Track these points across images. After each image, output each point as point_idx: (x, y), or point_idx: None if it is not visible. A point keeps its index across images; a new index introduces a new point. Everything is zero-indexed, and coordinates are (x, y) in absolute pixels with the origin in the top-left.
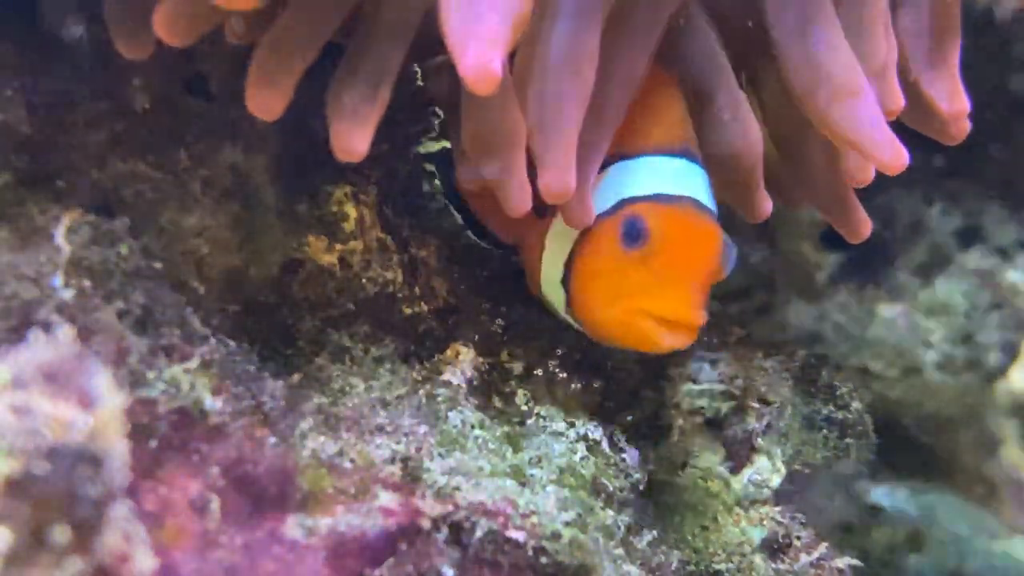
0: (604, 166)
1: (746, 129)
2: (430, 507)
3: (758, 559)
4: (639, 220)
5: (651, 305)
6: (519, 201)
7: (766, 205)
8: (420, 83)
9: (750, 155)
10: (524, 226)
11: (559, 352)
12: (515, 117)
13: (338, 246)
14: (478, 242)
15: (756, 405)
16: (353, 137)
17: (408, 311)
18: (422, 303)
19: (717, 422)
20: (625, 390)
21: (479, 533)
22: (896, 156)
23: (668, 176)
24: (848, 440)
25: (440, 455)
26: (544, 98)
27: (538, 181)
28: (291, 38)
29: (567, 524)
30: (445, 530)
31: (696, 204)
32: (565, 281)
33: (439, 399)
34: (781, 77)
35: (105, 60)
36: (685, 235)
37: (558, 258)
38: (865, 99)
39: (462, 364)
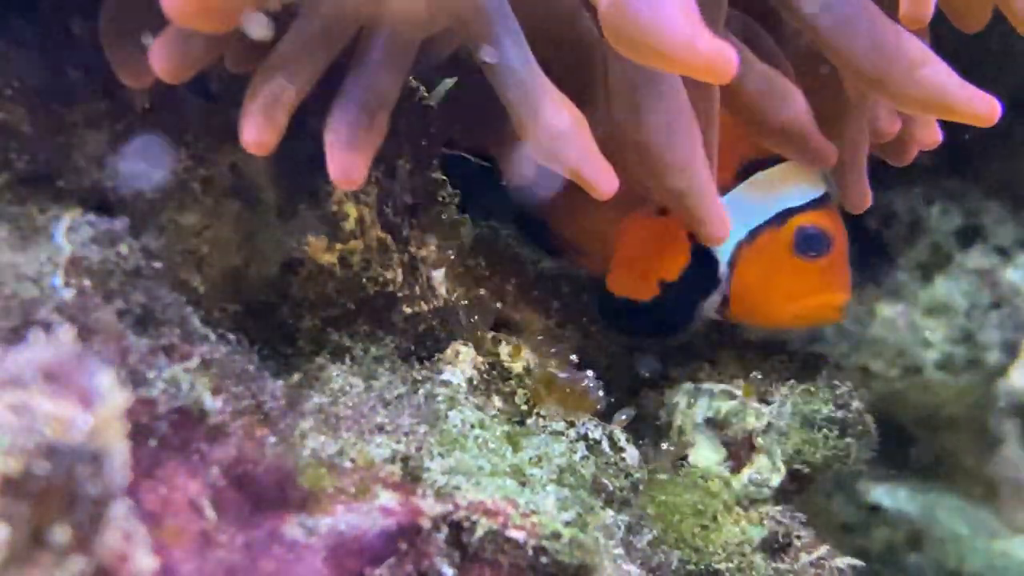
0: (743, 175)
1: (784, 96)
2: (430, 506)
3: (758, 558)
4: (816, 230)
5: (834, 299)
6: (607, 183)
7: (831, 152)
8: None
9: (797, 119)
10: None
11: (560, 351)
12: (573, 109)
13: (338, 245)
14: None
15: (756, 404)
16: (350, 165)
17: (408, 311)
18: (422, 303)
19: (717, 421)
20: (625, 390)
21: (479, 533)
22: (990, 107)
23: (803, 178)
24: (848, 439)
25: (440, 455)
26: (678, 168)
27: (701, 235)
28: (285, 71)
29: (567, 524)
30: (445, 530)
31: (831, 197)
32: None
33: (439, 398)
34: (841, 67)
35: (106, 59)
36: (842, 230)
37: None
38: (939, 64)
39: (462, 363)
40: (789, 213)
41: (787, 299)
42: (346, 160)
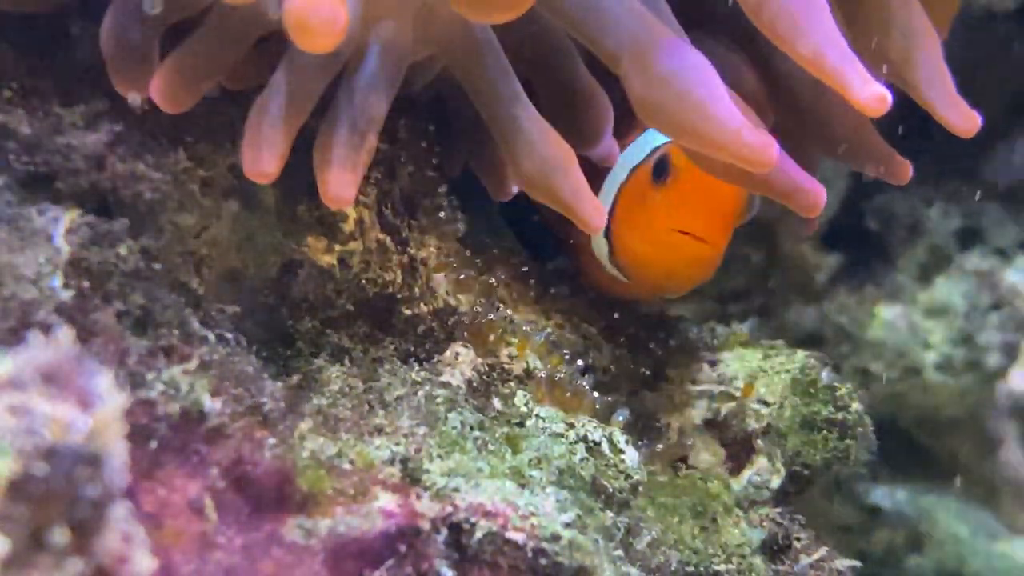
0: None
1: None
2: (429, 508)
3: (758, 560)
4: (666, 157)
5: (679, 222)
6: (597, 218)
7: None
8: None
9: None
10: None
11: (559, 352)
12: (562, 143)
13: (337, 247)
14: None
15: (755, 406)
16: (341, 186)
17: (407, 312)
18: (421, 304)
19: (717, 423)
20: (625, 391)
21: (478, 534)
22: (903, 169)
23: None
24: (848, 441)
25: (439, 456)
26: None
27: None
28: (284, 102)
29: (567, 525)
30: (444, 531)
31: None
32: (607, 232)
33: (438, 400)
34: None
35: (104, 61)
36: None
37: (604, 213)
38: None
39: (461, 365)
40: (655, 149)
41: (647, 226)
42: (337, 181)
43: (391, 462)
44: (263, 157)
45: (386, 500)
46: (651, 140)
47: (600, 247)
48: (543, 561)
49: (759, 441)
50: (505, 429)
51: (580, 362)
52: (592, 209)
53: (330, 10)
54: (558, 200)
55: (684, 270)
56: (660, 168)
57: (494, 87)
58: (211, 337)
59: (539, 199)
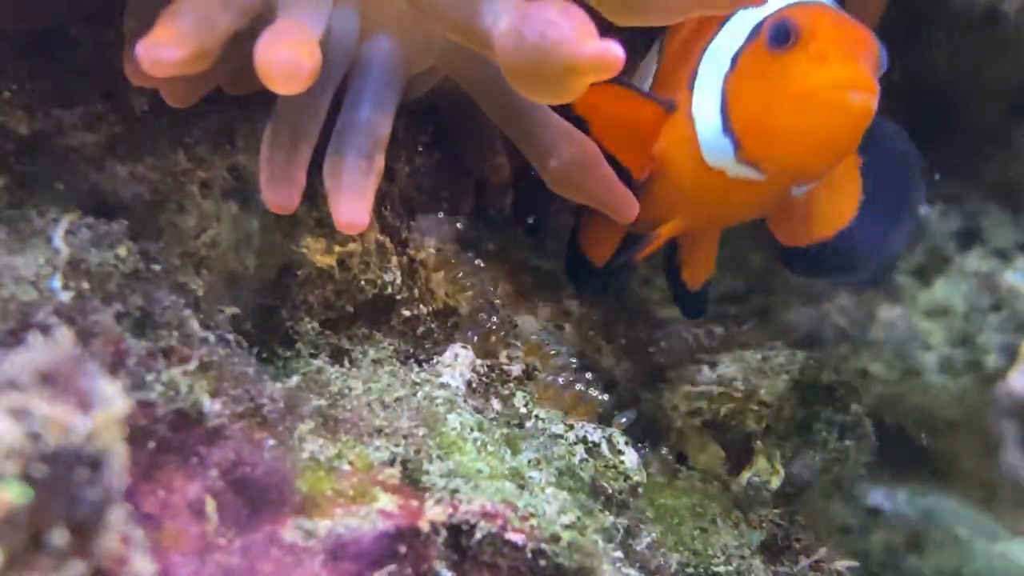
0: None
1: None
2: (429, 510)
3: (757, 561)
4: (784, 21)
5: (825, 78)
6: (630, 209)
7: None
8: None
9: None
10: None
11: (559, 353)
12: (584, 139)
13: (336, 248)
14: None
15: (755, 407)
16: (356, 212)
17: (407, 313)
18: (421, 305)
19: (716, 424)
20: (624, 392)
21: (478, 536)
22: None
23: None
24: (847, 442)
25: (439, 457)
26: None
27: None
28: (291, 132)
29: (566, 527)
30: (444, 533)
31: (835, 6)
32: (727, 128)
33: (438, 401)
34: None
35: (105, 61)
36: (835, 22)
37: (711, 112)
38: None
39: (461, 366)
40: (766, 20)
41: (785, 96)
42: (350, 209)
43: (391, 463)
44: (284, 192)
45: (385, 501)
46: (757, 15)
47: (718, 147)
48: (543, 562)
49: (758, 442)
50: (504, 430)
51: (577, 361)
52: (625, 199)
53: (295, 60)
54: (590, 194)
55: (847, 130)
56: (780, 34)
57: (505, 93)
58: (211, 338)
59: (569, 195)
